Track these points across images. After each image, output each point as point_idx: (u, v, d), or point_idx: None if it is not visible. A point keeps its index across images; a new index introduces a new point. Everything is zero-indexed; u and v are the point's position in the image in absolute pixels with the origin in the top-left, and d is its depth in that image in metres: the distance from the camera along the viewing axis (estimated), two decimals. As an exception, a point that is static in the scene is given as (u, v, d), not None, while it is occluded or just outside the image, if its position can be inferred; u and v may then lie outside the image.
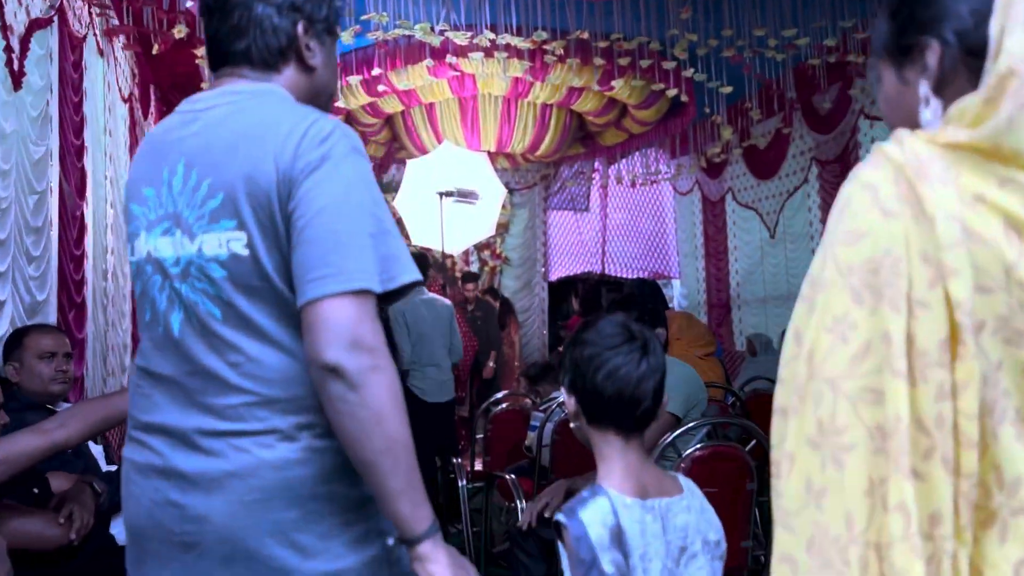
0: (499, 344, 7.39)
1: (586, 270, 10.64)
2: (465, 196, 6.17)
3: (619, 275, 10.64)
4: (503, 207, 9.79)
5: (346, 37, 5.34)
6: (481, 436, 4.86)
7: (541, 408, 4.32)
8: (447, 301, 5.97)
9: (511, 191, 10.04)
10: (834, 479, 0.81)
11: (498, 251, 9.88)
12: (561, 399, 2.43)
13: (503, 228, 9.93)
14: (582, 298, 6.90)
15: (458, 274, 9.66)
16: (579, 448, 1.98)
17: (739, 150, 8.71)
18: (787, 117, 7.99)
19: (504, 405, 4.86)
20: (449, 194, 6.15)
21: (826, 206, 8.17)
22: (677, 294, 10.84)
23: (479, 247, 9.87)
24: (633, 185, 10.28)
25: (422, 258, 6.01)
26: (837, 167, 8.04)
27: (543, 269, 10.38)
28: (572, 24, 5.63)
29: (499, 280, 9.94)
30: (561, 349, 4.34)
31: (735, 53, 5.89)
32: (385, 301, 1.26)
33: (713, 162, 9.12)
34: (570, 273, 10.58)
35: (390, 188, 8.01)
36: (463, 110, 7.34)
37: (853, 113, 7.68)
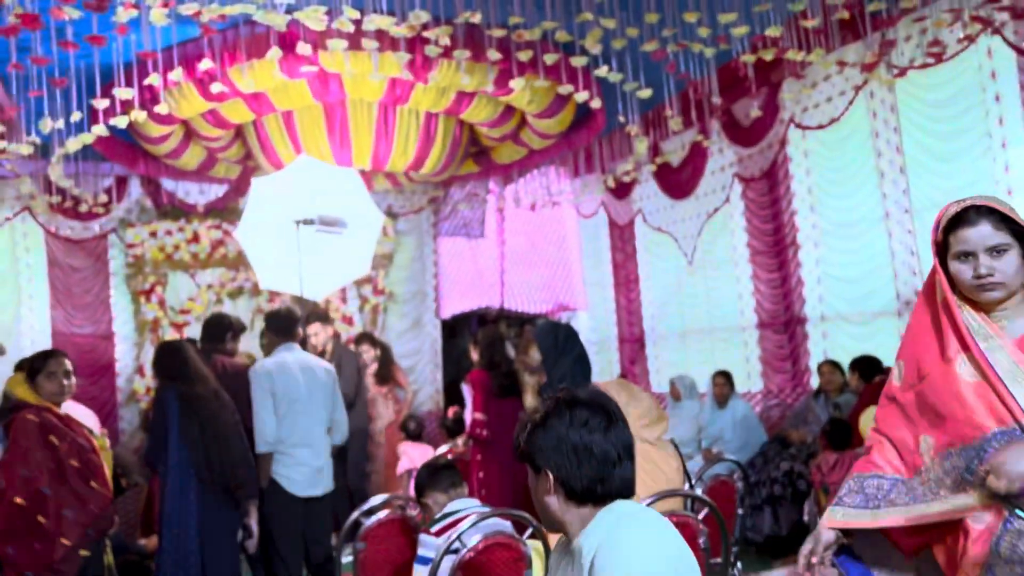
0: (362, 409, 6.07)
1: (483, 305, 9.41)
2: (330, 224, 4.82)
3: (520, 309, 9.46)
4: (384, 234, 8.46)
5: (158, 17, 3.96)
6: (350, 559, 3.52)
7: (434, 529, 3.04)
8: (327, 364, 4.61)
9: (394, 216, 8.74)
10: None
11: (380, 286, 8.53)
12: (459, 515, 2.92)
13: (386, 259, 8.59)
14: (483, 345, 5.64)
15: (338, 315, 8.26)
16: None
17: (650, 167, 7.72)
18: (705, 128, 7.02)
19: (382, 516, 3.55)
20: (309, 222, 4.80)
21: (752, 228, 7.23)
22: (584, 328, 9.74)
23: (358, 281, 8.49)
24: (532, 208, 9.16)
25: (288, 314, 4.64)
26: (763, 184, 7.13)
27: (435, 305, 9.09)
28: (460, 5, 4.43)
29: (383, 320, 8.58)
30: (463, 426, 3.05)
31: (658, 47, 4.81)
32: None
33: (621, 181, 8.09)
34: (466, 309, 9.33)
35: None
36: (329, 119, 6.00)
37: (782, 123, 6.78)
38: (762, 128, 6.85)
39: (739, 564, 3.97)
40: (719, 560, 3.17)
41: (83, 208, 7.33)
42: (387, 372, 6.64)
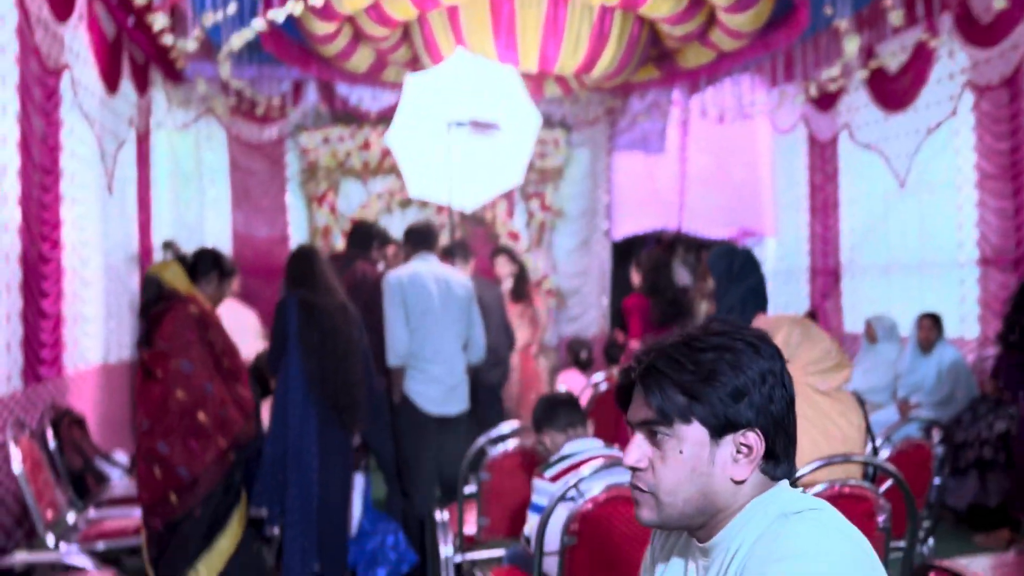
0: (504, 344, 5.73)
1: (659, 227, 8.77)
2: (483, 127, 4.42)
3: (700, 233, 8.74)
4: (556, 147, 7.99)
5: None
6: (474, 489, 3.21)
7: (549, 473, 2.63)
8: (466, 278, 4.29)
9: (567, 127, 8.21)
10: None
11: (548, 202, 8.10)
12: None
13: (556, 174, 8.13)
14: (647, 268, 5.10)
15: (504, 230, 7.96)
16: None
17: (862, 73, 6.69)
18: (932, 25, 5.93)
19: (509, 445, 3.20)
20: (462, 124, 4.41)
21: (983, 147, 6.10)
22: (771, 256, 8.89)
23: (526, 196, 8.11)
24: (721, 121, 8.32)
25: (427, 224, 4.34)
26: (1002, 95, 5.96)
27: (606, 225, 8.56)
28: None
29: (549, 237, 8.17)
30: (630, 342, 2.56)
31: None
32: None
33: (826, 91, 7.10)
34: (640, 231, 8.74)
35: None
36: (495, 15, 5.53)
37: (1033, 17, 5.57)
38: (1007, 25, 5.65)
39: (931, 541, 3.29)
40: (902, 544, 2.55)
41: (259, 111, 7.36)
42: (523, 289, 6.23)
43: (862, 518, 2.26)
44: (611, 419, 5.25)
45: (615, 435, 5.27)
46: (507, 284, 6.26)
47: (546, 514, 2.30)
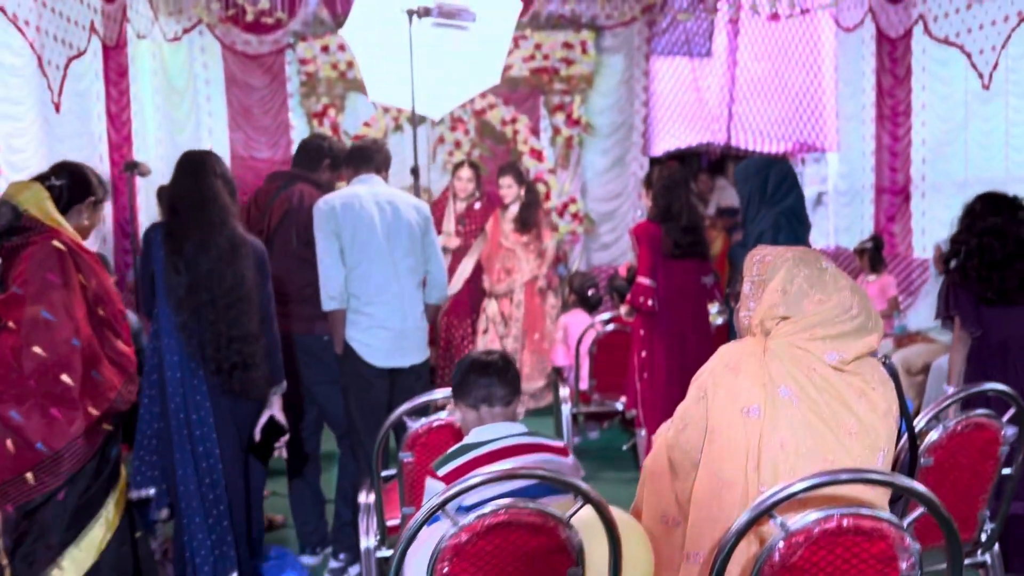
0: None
1: (703, 141, 7.82)
2: (449, 14, 3.62)
3: (751, 147, 7.76)
4: (583, 51, 7.07)
5: None
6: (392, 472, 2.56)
7: (442, 471, 1.93)
8: (418, 201, 3.57)
9: (597, 29, 7.26)
10: None
11: (576, 115, 7.22)
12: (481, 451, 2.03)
13: (584, 82, 7.22)
14: (658, 188, 4.29)
15: (526, 148, 7.15)
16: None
17: (942, -48, 5.57)
18: None
19: (438, 418, 2.51)
20: (424, 12, 3.62)
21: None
22: (833, 174, 7.87)
23: (550, 109, 7.25)
24: (775, 18, 7.25)
25: (371, 142, 3.60)
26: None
27: (642, 140, 7.65)
28: None
29: (577, 155, 7.32)
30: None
31: None
32: None
33: (898, -24, 6.00)
34: (681, 145, 7.80)
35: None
36: None
37: None
38: None
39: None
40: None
41: (249, 17, 6.64)
42: (531, 216, 5.46)
43: (876, 564, 1.51)
44: (616, 366, 4.52)
45: (619, 385, 4.56)
46: (513, 209, 5.50)
47: (416, 524, 1.60)
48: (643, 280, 4.17)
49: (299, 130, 7.34)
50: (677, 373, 4.15)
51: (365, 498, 2.74)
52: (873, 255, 5.87)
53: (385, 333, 3.34)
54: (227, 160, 7.14)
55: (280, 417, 3.03)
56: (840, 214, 7.76)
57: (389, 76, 3.79)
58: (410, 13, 3.65)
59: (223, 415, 2.81)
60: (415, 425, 2.51)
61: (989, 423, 2.27)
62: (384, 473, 2.72)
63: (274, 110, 7.36)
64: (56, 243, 2.68)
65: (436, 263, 3.50)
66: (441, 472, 1.98)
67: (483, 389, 2.09)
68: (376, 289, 3.33)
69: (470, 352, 2.20)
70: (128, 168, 5.41)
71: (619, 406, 4.48)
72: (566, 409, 4.45)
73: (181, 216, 2.78)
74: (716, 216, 7.41)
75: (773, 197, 4.11)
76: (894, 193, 6.78)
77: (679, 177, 4.45)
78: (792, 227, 4.13)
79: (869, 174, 7.13)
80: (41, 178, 2.79)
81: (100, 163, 5.60)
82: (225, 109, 7.29)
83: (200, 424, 2.75)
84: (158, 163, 6.56)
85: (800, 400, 1.74)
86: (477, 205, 5.68)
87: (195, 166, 2.86)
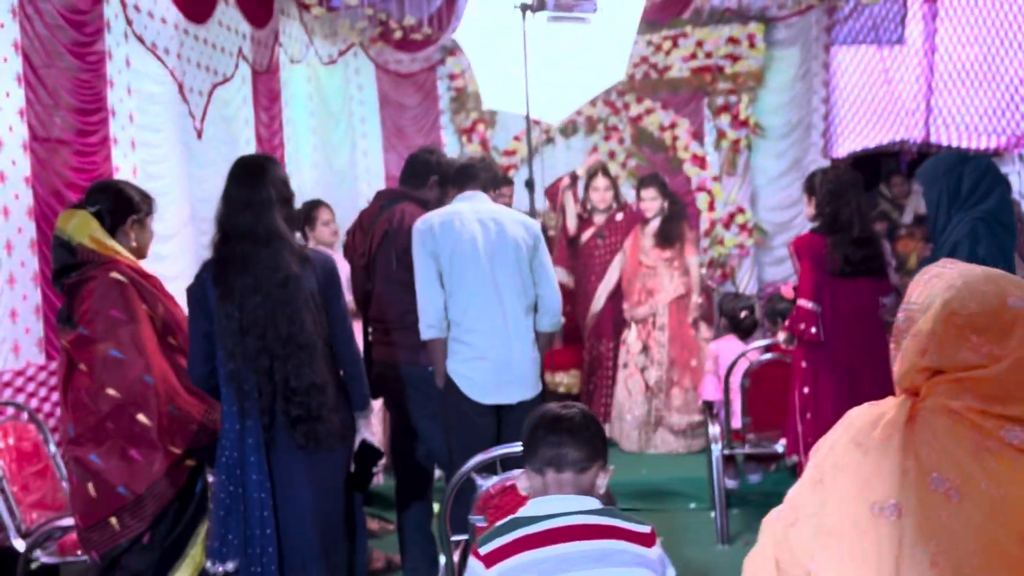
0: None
1: (897, 139, 6.89)
2: (567, 6, 3.22)
3: (955, 144, 6.75)
4: (751, 45, 6.42)
5: None
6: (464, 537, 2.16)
7: (484, 549, 1.51)
8: (526, 219, 3.19)
9: (767, 21, 6.56)
10: None
11: (743, 116, 6.55)
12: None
13: (752, 79, 6.54)
14: (823, 194, 3.66)
15: (687, 154, 6.59)
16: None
17: None
18: None
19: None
20: (539, 6, 3.26)
21: None
22: (1058, 171, 6.69)
23: (714, 110, 6.62)
24: (981, -6, 6.27)
25: (478, 163, 3.26)
26: None
27: (822, 141, 6.84)
28: None
29: (745, 160, 6.64)
30: None
31: None
32: None
33: None
34: (870, 145, 6.92)
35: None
36: None
37: None
38: None
39: None
40: None
41: (397, 35, 6.56)
42: (673, 231, 4.87)
43: None
44: (774, 402, 3.89)
45: (779, 423, 3.92)
46: (654, 224, 4.98)
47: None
48: (804, 303, 3.54)
49: (451, 147, 7.18)
50: (846, 410, 3.48)
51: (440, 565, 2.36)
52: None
53: (488, 365, 2.97)
54: (382, 181, 7.12)
55: (373, 440, 2.72)
56: (1066, 219, 6.55)
57: (503, 79, 3.44)
58: (524, 8, 3.28)
59: (291, 475, 2.49)
60: (486, 484, 2.11)
61: None
62: (455, 538, 2.33)
63: (426, 128, 7.25)
64: (115, 275, 2.53)
65: (547, 285, 3.09)
66: (483, 550, 1.57)
67: (551, 449, 1.65)
68: (477, 315, 2.97)
69: (546, 405, 1.77)
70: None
71: (779, 448, 3.84)
72: (715, 449, 3.88)
73: (232, 245, 2.49)
74: (914, 224, 6.48)
75: (969, 200, 3.36)
76: None
77: (848, 180, 3.78)
78: (995, 235, 3.36)
79: (1105, 170, 5.96)
80: (82, 204, 2.65)
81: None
82: (379, 130, 7.26)
83: (257, 488, 2.44)
84: (314, 187, 6.62)
85: (963, 496, 1.18)
86: (619, 216, 5.21)
87: (251, 176, 2.55)
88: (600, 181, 5.24)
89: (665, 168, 6.71)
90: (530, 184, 3.59)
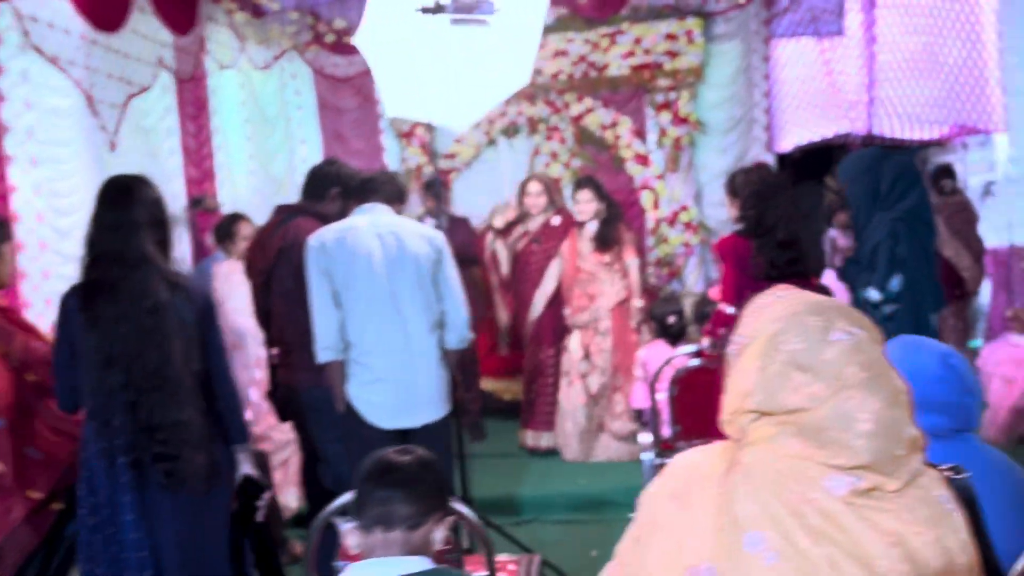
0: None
1: (840, 131, 6.83)
2: (467, 7, 3.09)
3: (898, 135, 6.70)
4: (689, 41, 6.33)
5: None
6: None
7: None
8: (431, 231, 3.05)
9: (705, 15, 6.46)
10: None
11: (683, 112, 6.46)
12: None
13: (692, 75, 6.44)
14: (746, 196, 3.57)
15: (630, 153, 6.49)
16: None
17: None
18: None
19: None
20: (438, 8, 3.13)
21: None
22: (1002, 160, 6.66)
23: (655, 105, 6.52)
24: (919, -18, 6.21)
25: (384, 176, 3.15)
26: None
27: (766, 136, 6.76)
28: None
29: (688, 158, 6.55)
30: None
31: None
32: None
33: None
34: (814, 138, 6.85)
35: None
36: None
37: None
38: None
39: None
40: None
41: (330, 38, 6.40)
42: (611, 234, 4.78)
43: None
44: (701, 409, 3.78)
45: (705, 431, 3.81)
46: (591, 227, 4.88)
47: None
48: (725, 308, 3.44)
49: (391, 152, 7.03)
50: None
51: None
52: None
53: (389, 387, 2.84)
54: (322, 187, 6.95)
55: (255, 473, 2.58)
56: (1014, 206, 6.54)
57: (406, 85, 3.30)
58: (424, 11, 3.14)
59: (162, 515, 2.34)
60: (347, 527, 1.97)
61: None
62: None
63: (367, 133, 7.09)
64: None
65: (453, 301, 2.97)
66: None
67: (379, 507, 1.52)
68: (376, 335, 2.84)
69: (379, 453, 1.64)
70: (194, 204, 5.27)
71: (709, 457, 3.74)
72: (646, 459, 3.78)
73: (100, 268, 2.36)
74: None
75: (888, 198, 3.29)
76: (1078, 180, 5.56)
77: (773, 181, 3.70)
78: (916, 233, 3.29)
79: (1046, 157, 5.92)
80: None
81: (172, 201, 5.47)
82: (319, 136, 7.10)
83: (132, 528, 2.28)
84: (251, 196, 6.46)
85: (781, 557, 1.06)
86: (555, 221, 5.10)
87: (119, 197, 2.41)
88: (532, 186, 5.13)
89: (608, 167, 6.61)
90: (431, 184, 3.45)
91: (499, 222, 5.30)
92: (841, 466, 1.07)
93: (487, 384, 5.98)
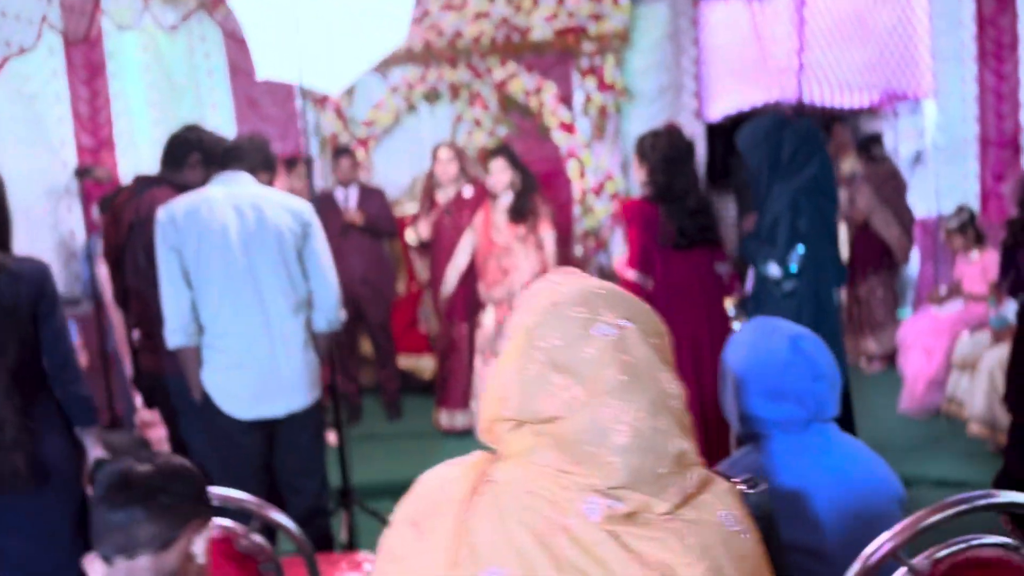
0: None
1: (770, 99, 6.68)
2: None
3: (829, 103, 6.57)
4: (615, 2, 6.11)
5: None
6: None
7: None
8: (296, 203, 2.82)
9: (629, -23, 6.23)
10: None
11: (609, 79, 6.25)
12: None
13: (617, 40, 6.23)
14: (656, 159, 3.42)
15: (554, 121, 6.28)
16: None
17: None
18: None
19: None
20: (307, -38, 2.86)
21: None
22: (931, 126, 6.57)
23: (581, 71, 6.30)
24: (847, -57, 6.05)
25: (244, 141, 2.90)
26: None
27: (695, 103, 6.59)
28: None
29: (615, 126, 6.36)
30: None
31: None
32: None
33: None
34: (744, 106, 6.69)
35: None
36: None
37: None
38: None
39: None
40: None
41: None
42: (525, 205, 4.59)
43: None
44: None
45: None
46: (505, 198, 4.67)
47: None
48: (628, 273, 3.29)
49: (309, 119, 6.72)
50: (693, 391, 3.25)
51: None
52: (967, 226, 4.70)
53: (247, 374, 2.62)
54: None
55: (104, 455, 2.37)
56: (942, 174, 6.47)
57: (277, 47, 3.03)
58: (290, -36, 2.88)
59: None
60: (89, 558, 1.75)
61: None
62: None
63: (281, 99, 6.76)
64: None
65: (320, 279, 2.74)
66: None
67: (118, 533, 1.30)
68: (232, 317, 2.61)
69: (111, 465, 1.40)
70: (80, 175, 4.93)
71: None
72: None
73: None
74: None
75: (789, 167, 3.13)
76: (1001, 146, 5.50)
77: (683, 146, 3.53)
78: (817, 205, 3.13)
79: (972, 124, 5.85)
80: None
81: (63, 171, 5.13)
82: (230, 101, 6.76)
83: None
84: (156, 166, 6.12)
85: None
86: (467, 192, 4.88)
87: None
88: (443, 152, 4.90)
89: (534, 135, 6.40)
90: (308, 161, 3.21)
91: (411, 239, 5.14)
92: (597, 487, 0.89)
93: (405, 362, 5.78)
